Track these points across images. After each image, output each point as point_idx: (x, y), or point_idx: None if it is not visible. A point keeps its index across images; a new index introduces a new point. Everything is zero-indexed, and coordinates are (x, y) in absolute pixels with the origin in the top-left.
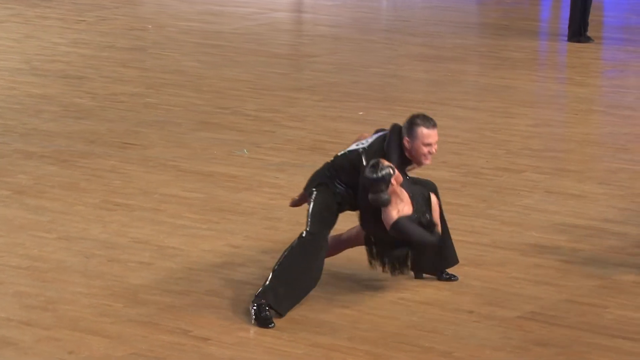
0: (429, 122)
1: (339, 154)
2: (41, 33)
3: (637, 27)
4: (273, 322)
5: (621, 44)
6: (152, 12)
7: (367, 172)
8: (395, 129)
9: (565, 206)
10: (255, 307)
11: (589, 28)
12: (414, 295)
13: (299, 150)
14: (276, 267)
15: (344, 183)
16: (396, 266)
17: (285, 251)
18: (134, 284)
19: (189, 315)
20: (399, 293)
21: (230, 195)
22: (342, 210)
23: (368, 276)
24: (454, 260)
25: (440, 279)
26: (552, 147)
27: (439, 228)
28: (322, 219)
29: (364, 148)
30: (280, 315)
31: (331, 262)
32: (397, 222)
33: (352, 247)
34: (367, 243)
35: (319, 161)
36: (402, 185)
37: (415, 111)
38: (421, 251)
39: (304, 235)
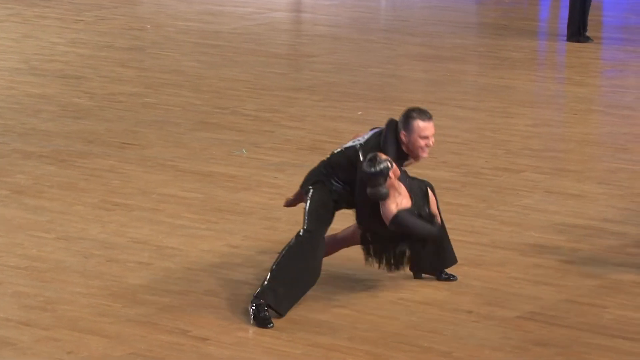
0: (424, 114)
1: (335, 151)
2: (40, 33)
3: (636, 27)
4: (272, 322)
5: (620, 43)
6: (150, 11)
7: (365, 166)
8: (392, 123)
9: (565, 206)
10: (254, 307)
11: (588, 28)
12: (413, 295)
13: (298, 150)
14: (274, 267)
15: (341, 180)
16: (393, 263)
17: (282, 250)
18: (133, 284)
19: (187, 315)
20: (398, 293)
21: (229, 195)
22: (338, 208)
23: (367, 276)
24: (453, 260)
25: (439, 279)
26: (552, 147)
27: (439, 219)
28: (319, 217)
29: (360, 144)
30: (281, 315)
31: (330, 262)
32: (397, 216)
33: (347, 246)
34: (364, 242)
35: (318, 161)
36: (399, 179)
37: None
38: (420, 247)
39: (301, 233)
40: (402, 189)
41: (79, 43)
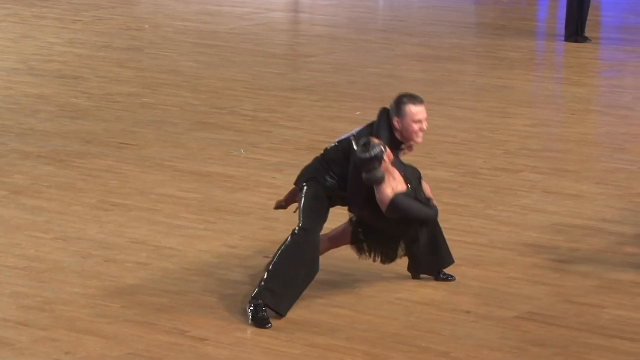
0: (416, 99)
1: (328, 147)
2: (37, 33)
3: (635, 27)
4: (270, 323)
5: (619, 43)
6: (148, 11)
7: (359, 152)
8: (383, 112)
9: (563, 206)
10: (252, 308)
11: (586, 28)
12: (411, 295)
13: (296, 150)
14: (271, 266)
15: (336, 175)
16: (387, 255)
17: (278, 249)
18: (131, 284)
19: (185, 315)
20: (396, 293)
21: (227, 196)
22: (333, 205)
23: (365, 276)
24: (449, 261)
25: (437, 279)
26: (550, 147)
27: (434, 202)
28: (314, 214)
29: (354, 135)
30: (281, 315)
31: (329, 263)
32: (395, 200)
33: (337, 246)
34: (355, 240)
35: None
36: (393, 165)
37: None
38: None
39: (296, 231)
40: (397, 173)
41: (76, 43)
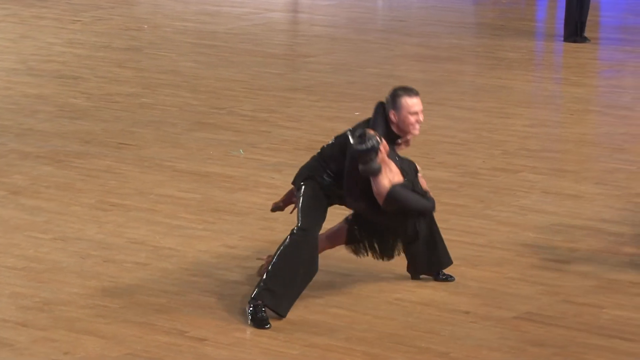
0: (411, 91)
1: (325, 145)
2: (37, 33)
3: (634, 27)
4: (269, 323)
5: (618, 44)
6: (147, 12)
7: (355, 144)
8: (379, 106)
9: (562, 206)
10: (251, 308)
11: (586, 28)
12: (410, 295)
13: (295, 151)
14: (270, 267)
15: (334, 172)
16: (384, 252)
17: (277, 250)
18: (130, 285)
19: (185, 315)
20: (395, 294)
21: (226, 196)
22: (331, 204)
23: (364, 277)
24: (448, 261)
25: (436, 279)
26: (549, 148)
27: (431, 194)
28: (312, 213)
29: (350, 130)
30: (281, 316)
31: (328, 263)
32: (392, 191)
33: (333, 246)
34: (351, 240)
35: None
36: (389, 157)
37: None
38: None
39: (295, 231)
40: (393, 165)
41: (76, 43)
